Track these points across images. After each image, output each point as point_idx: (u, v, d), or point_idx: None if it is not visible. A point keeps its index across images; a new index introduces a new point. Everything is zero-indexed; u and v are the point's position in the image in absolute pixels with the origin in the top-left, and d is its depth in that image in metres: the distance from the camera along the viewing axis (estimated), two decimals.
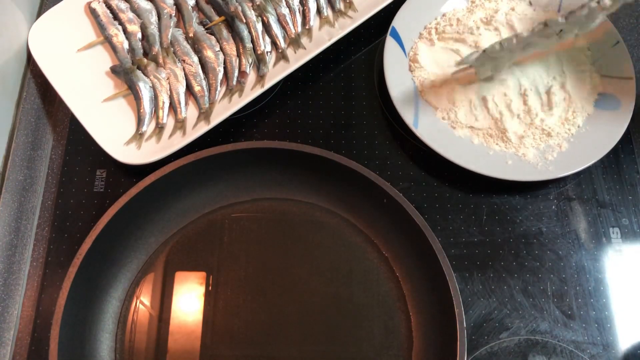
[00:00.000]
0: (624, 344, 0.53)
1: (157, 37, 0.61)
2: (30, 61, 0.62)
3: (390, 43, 0.62)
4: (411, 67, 0.62)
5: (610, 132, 0.58)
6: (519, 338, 0.53)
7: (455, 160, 0.56)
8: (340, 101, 0.63)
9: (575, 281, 0.56)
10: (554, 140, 0.58)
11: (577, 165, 0.57)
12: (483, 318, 0.54)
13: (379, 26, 0.67)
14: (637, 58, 0.64)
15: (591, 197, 0.59)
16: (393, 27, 0.63)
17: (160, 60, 0.60)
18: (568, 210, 0.59)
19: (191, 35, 0.61)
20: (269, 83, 0.59)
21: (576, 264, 0.56)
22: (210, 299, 0.53)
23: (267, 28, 0.62)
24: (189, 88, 0.60)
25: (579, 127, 0.59)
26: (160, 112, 0.58)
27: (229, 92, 0.60)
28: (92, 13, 0.63)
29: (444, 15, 0.65)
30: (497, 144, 0.58)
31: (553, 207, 0.59)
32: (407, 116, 0.58)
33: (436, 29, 0.64)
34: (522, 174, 0.57)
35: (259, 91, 0.59)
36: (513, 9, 0.65)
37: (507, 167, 0.57)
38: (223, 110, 0.58)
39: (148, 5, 0.63)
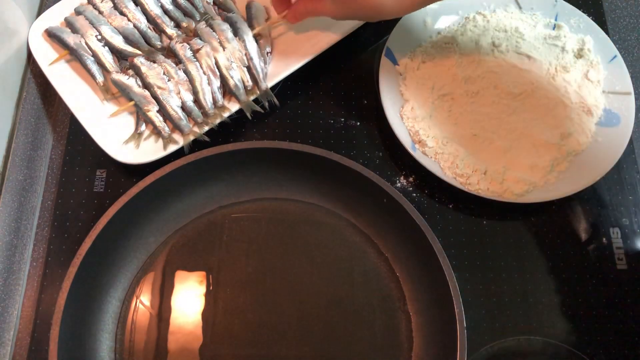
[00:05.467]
0: (624, 344, 0.53)
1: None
2: (30, 61, 0.62)
3: (385, 64, 0.61)
4: (404, 94, 0.61)
5: (610, 150, 0.57)
6: (519, 338, 0.53)
7: (455, 184, 0.56)
8: (340, 101, 0.63)
9: (576, 281, 0.56)
10: (555, 160, 0.58)
11: (578, 186, 0.56)
12: (483, 318, 0.54)
13: (379, 27, 0.67)
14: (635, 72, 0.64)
15: (591, 197, 0.59)
16: (387, 48, 0.61)
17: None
18: (568, 210, 0.59)
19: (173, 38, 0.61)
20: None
21: (576, 263, 0.56)
22: (210, 298, 0.53)
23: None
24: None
25: (580, 146, 0.58)
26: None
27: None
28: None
29: (439, 33, 0.64)
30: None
31: (553, 207, 0.59)
32: (405, 140, 0.57)
33: (427, 49, 0.63)
34: (522, 196, 0.55)
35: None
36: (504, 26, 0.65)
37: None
38: (223, 111, 0.58)
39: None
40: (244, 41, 0.60)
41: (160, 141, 0.57)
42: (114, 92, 0.60)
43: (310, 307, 0.53)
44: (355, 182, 0.53)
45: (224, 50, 0.59)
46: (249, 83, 0.59)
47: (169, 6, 0.62)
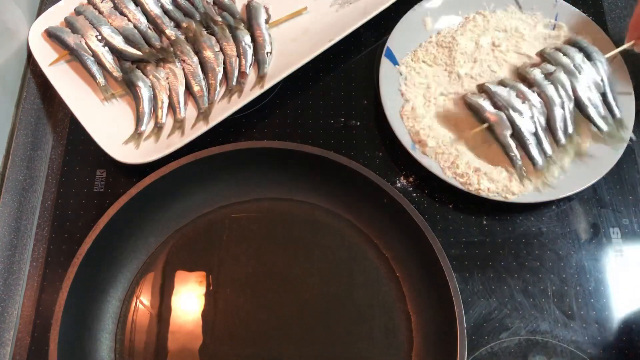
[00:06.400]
0: (624, 344, 0.53)
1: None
2: (30, 61, 0.62)
3: (385, 64, 0.61)
4: (405, 94, 0.61)
5: (610, 150, 0.57)
6: (519, 338, 0.53)
7: (455, 184, 0.56)
8: (340, 101, 0.63)
9: (576, 281, 0.56)
10: (556, 160, 0.57)
11: (578, 186, 0.56)
12: (483, 318, 0.54)
13: (379, 27, 0.67)
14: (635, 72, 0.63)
15: (591, 197, 0.59)
16: (388, 48, 0.61)
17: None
18: (568, 210, 0.59)
19: (173, 39, 0.61)
20: (268, 83, 0.59)
21: (576, 264, 0.56)
22: (210, 298, 0.53)
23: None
24: (188, 88, 0.60)
25: (580, 146, 0.58)
26: (159, 111, 0.58)
27: (229, 92, 0.60)
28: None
29: (439, 33, 0.64)
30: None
31: (553, 207, 0.59)
32: (405, 140, 0.57)
33: (427, 49, 0.63)
34: (522, 196, 0.56)
35: (258, 92, 0.59)
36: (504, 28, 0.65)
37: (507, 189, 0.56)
38: (222, 111, 0.58)
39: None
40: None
41: (160, 141, 0.57)
42: (114, 92, 0.60)
43: (310, 307, 0.53)
44: (355, 182, 0.53)
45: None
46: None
47: (169, 6, 0.63)
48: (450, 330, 0.47)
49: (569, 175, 0.57)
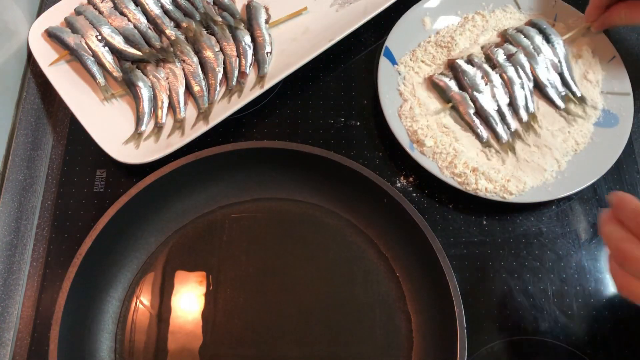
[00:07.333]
0: (624, 344, 0.53)
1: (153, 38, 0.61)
2: (30, 61, 0.62)
3: (384, 64, 0.61)
4: (403, 94, 0.61)
5: (608, 150, 0.58)
6: (519, 338, 0.53)
7: (453, 184, 0.56)
8: (340, 101, 0.63)
9: (576, 281, 0.56)
10: (553, 160, 0.58)
11: (578, 186, 0.56)
12: (483, 318, 0.54)
13: (379, 27, 0.67)
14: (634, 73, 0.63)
15: (591, 197, 0.59)
16: (386, 48, 0.61)
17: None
18: (568, 210, 0.59)
19: (173, 39, 0.61)
20: (268, 83, 0.59)
21: (576, 264, 0.56)
22: (210, 298, 0.53)
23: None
24: (188, 88, 0.60)
25: (578, 146, 0.59)
26: (159, 111, 0.58)
27: (229, 92, 0.60)
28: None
29: (437, 33, 0.64)
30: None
31: (553, 207, 0.59)
32: (403, 139, 0.57)
33: (425, 49, 0.63)
34: (521, 196, 0.56)
35: (258, 92, 0.59)
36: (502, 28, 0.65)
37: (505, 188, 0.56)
38: (222, 111, 0.58)
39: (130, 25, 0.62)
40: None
41: (160, 141, 0.57)
42: (114, 92, 0.60)
43: (310, 307, 0.53)
44: (355, 182, 0.53)
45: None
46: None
47: (169, 6, 0.63)
48: (450, 330, 0.47)
49: (568, 175, 0.57)
